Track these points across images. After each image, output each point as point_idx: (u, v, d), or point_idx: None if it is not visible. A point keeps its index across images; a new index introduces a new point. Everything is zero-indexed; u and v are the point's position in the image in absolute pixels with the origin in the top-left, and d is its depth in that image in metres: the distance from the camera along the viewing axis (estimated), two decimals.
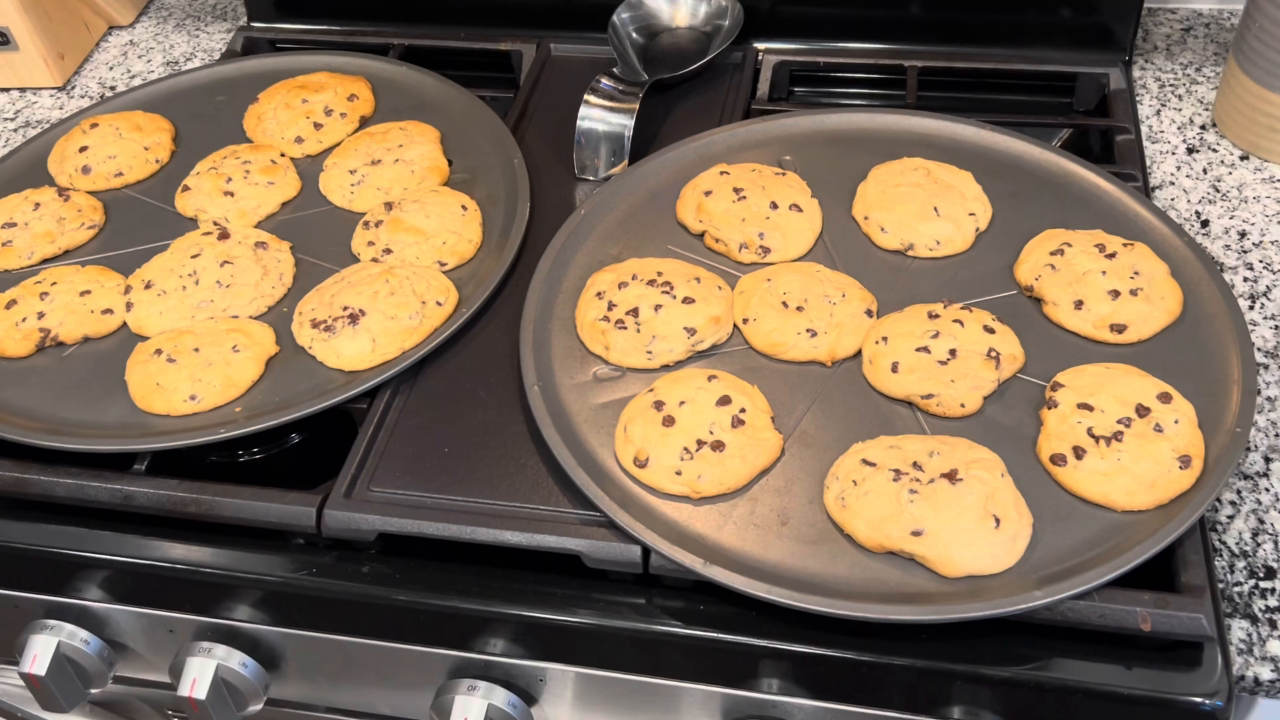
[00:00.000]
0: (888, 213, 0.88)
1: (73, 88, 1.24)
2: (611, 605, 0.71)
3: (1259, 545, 0.73)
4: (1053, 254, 0.83)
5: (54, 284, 0.88)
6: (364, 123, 1.04)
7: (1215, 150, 1.02)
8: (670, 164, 0.95)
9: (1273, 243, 0.92)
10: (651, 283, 0.83)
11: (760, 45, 1.11)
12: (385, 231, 0.91)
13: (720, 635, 0.69)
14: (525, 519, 0.72)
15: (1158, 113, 1.06)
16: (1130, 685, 0.65)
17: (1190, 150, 1.02)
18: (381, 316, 0.83)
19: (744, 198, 0.89)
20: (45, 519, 0.78)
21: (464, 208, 0.92)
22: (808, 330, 0.80)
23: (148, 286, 0.88)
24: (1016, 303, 0.83)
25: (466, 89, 1.06)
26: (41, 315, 0.86)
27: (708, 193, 0.90)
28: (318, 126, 1.02)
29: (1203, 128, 1.04)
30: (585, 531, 0.71)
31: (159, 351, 0.82)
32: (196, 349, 0.82)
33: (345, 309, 0.83)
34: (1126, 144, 0.98)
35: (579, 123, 0.96)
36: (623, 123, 0.95)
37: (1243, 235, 0.93)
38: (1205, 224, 0.95)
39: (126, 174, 1.00)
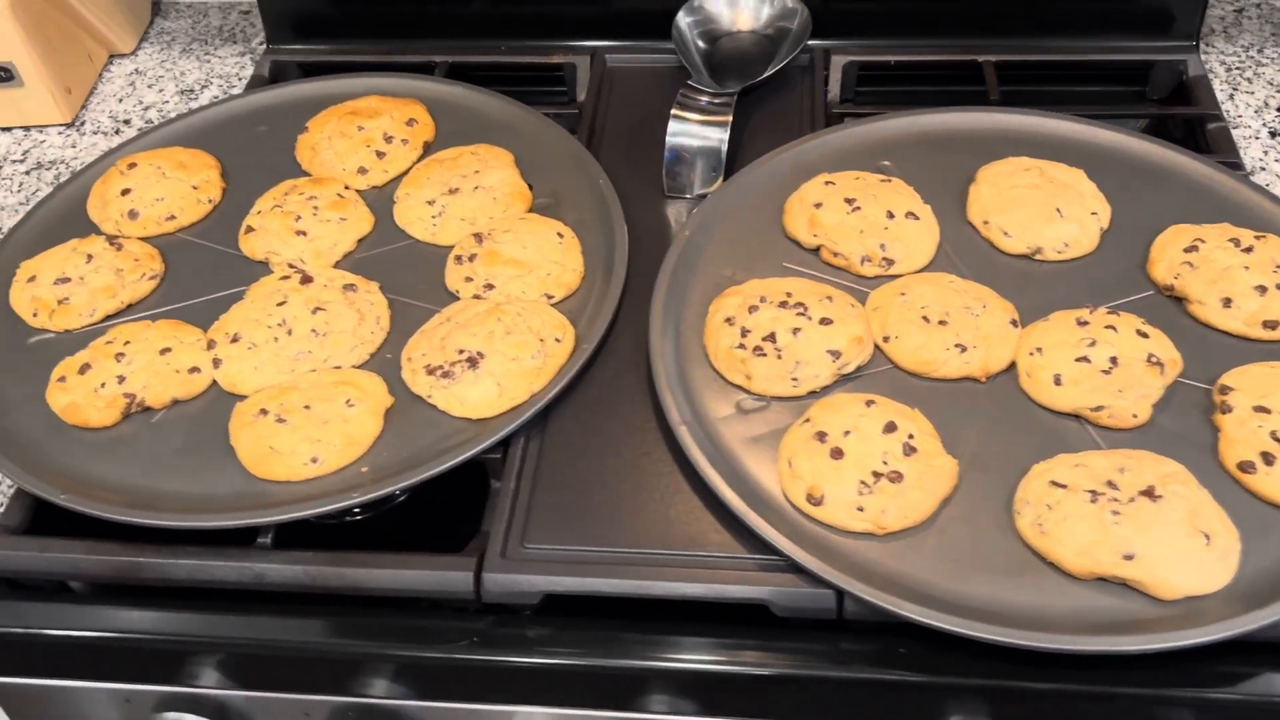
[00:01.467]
0: (1009, 216, 0.85)
1: (82, 123, 1.16)
2: (800, 653, 0.67)
3: None
4: (1187, 250, 0.81)
5: (128, 343, 0.81)
6: (428, 148, 0.98)
7: None
8: (766, 177, 0.91)
9: None
10: (783, 304, 0.79)
11: (821, 44, 1.07)
12: (482, 265, 0.85)
13: (928, 679, 0.65)
14: (700, 567, 0.68)
15: (1230, 97, 1.05)
16: None
17: (1273, 134, 1.01)
18: (502, 358, 0.77)
19: (858, 208, 0.85)
20: (160, 604, 0.72)
21: (560, 235, 0.87)
22: (956, 345, 0.77)
23: (234, 340, 0.81)
24: (1156, 303, 0.81)
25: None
26: (122, 379, 0.79)
27: (818, 205, 0.86)
28: (380, 155, 0.96)
29: (1279, 110, 1.04)
30: (769, 578, 0.67)
31: (264, 412, 0.76)
32: (307, 406, 0.76)
33: (461, 352, 0.78)
34: (1220, 131, 0.96)
35: (670, 139, 0.91)
36: (718, 136, 0.91)
37: None
38: None
39: (179, 216, 0.93)
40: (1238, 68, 1.09)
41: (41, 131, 1.15)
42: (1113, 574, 0.64)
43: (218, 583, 0.70)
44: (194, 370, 0.80)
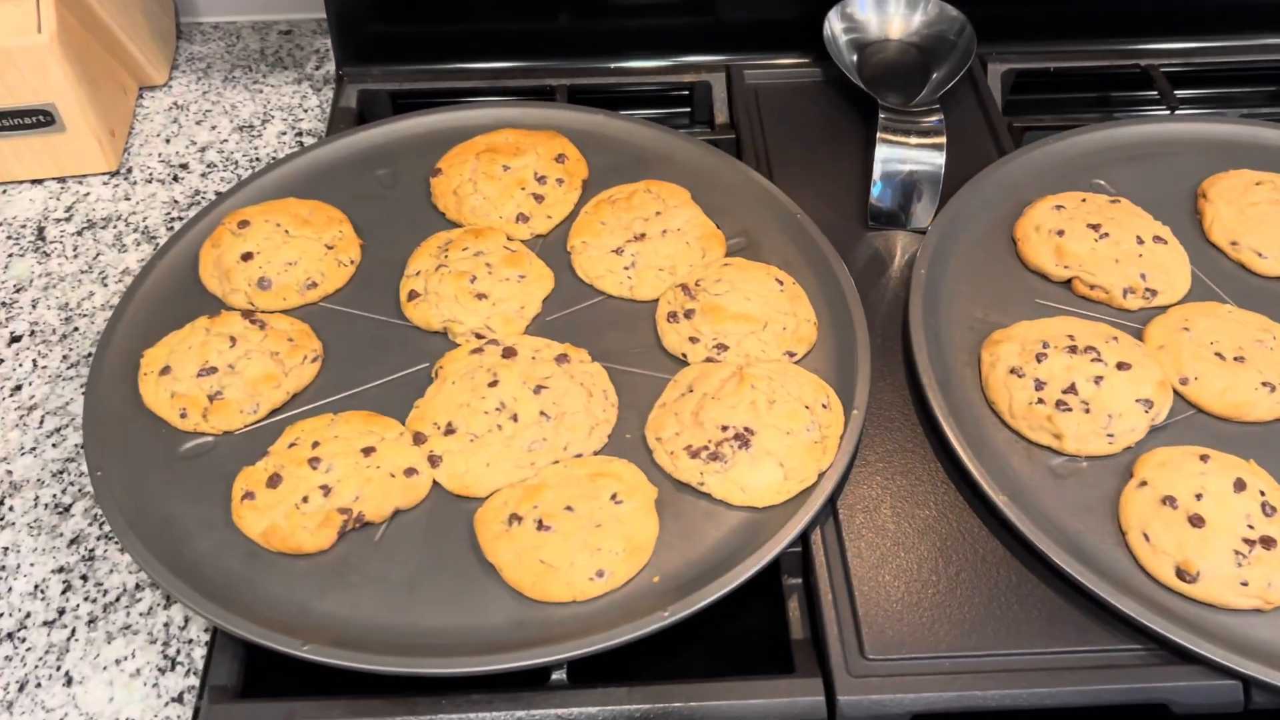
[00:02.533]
0: (1259, 235, 0.79)
1: (129, 170, 1.00)
2: None
3: None
4: None
5: (317, 444, 0.68)
6: (585, 187, 0.87)
7: None
8: (983, 203, 0.83)
9: None
10: (1072, 350, 0.71)
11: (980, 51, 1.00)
12: (705, 322, 0.75)
13: None
14: (1079, 668, 0.60)
15: None
16: None
17: None
18: (775, 433, 0.68)
19: (1106, 234, 0.78)
20: None
21: (779, 281, 0.78)
22: (1264, 384, 0.70)
23: (449, 432, 0.69)
24: None
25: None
26: (327, 490, 0.66)
27: (1059, 232, 0.79)
28: (539, 199, 0.84)
29: None
30: (1164, 673, 0.60)
31: (517, 518, 0.64)
32: (569, 508, 0.65)
33: (725, 429, 0.68)
34: None
35: (884, 166, 0.82)
36: (937, 161, 0.82)
37: None
38: None
39: (321, 283, 0.80)
40: None
41: (81, 182, 0.99)
42: None
43: None
44: (411, 472, 0.68)
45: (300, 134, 1.03)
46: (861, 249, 0.84)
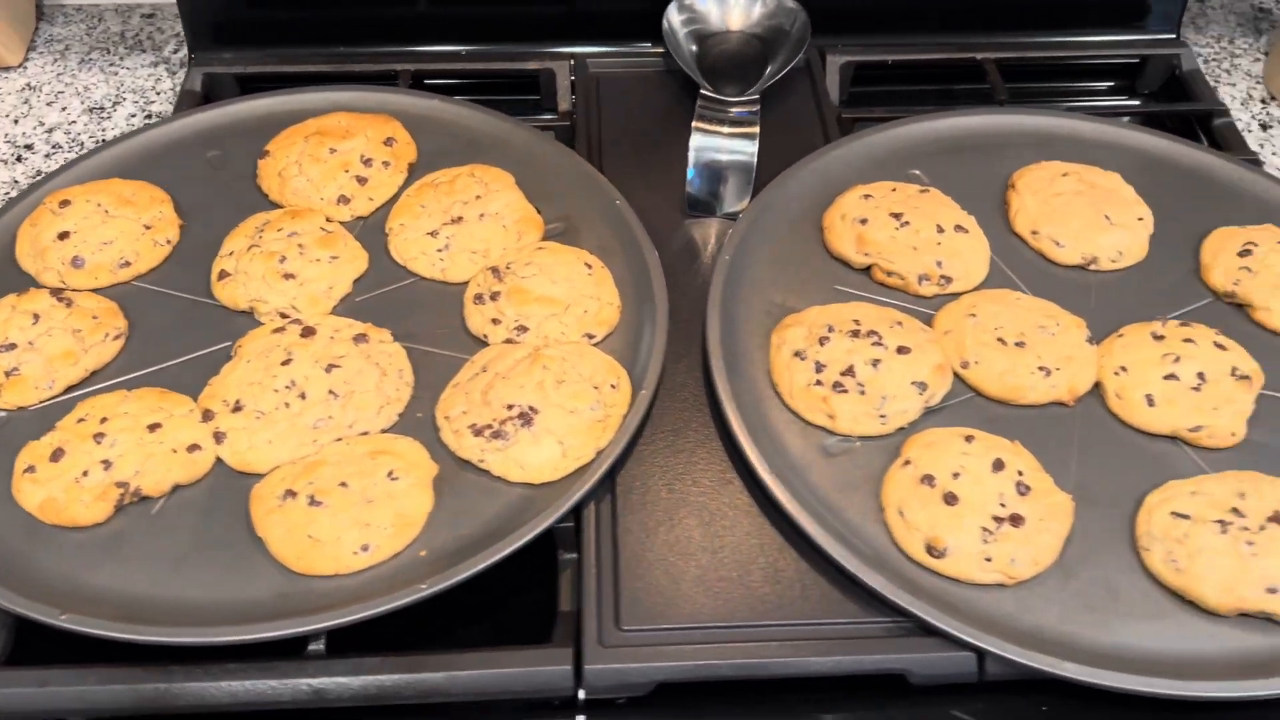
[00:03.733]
0: (1059, 225, 0.82)
1: None
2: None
3: None
4: (1241, 255, 0.79)
5: (105, 420, 0.69)
6: (412, 171, 0.88)
7: None
8: (797, 191, 0.85)
9: None
10: (854, 334, 0.73)
11: (815, 44, 1.01)
12: (509, 304, 0.76)
13: None
14: (826, 639, 0.62)
15: (1214, 90, 1.05)
16: None
17: (1264, 126, 1.01)
18: (559, 412, 0.69)
19: (906, 223, 0.80)
20: None
21: (588, 265, 0.79)
22: (1040, 368, 0.73)
23: (237, 409, 0.70)
24: (1217, 310, 0.79)
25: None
26: (108, 464, 0.67)
27: (863, 220, 0.81)
28: (362, 181, 0.85)
29: (1263, 101, 1.04)
30: (903, 644, 0.62)
31: (291, 494, 0.65)
32: (344, 483, 0.66)
33: (511, 408, 0.69)
34: (1227, 127, 0.96)
35: (696, 154, 0.84)
36: (749, 150, 0.84)
37: None
38: None
39: (135, 262, 0.80)
40: (1214, 59, 1.09)
41: None
42: (1259, 609, 0.62)
43: (268, 704, 0.60)
44: (194, 448, 0.68)
45: (150, 116, 1.03)
46: (679, 236, 0.86)
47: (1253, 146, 0.99)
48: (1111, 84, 1.06)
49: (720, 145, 0.84)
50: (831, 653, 0.61)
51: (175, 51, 1.10)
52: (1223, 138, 0.95)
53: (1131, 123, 0.90)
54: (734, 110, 0.85)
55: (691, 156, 0.84)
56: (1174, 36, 1.05)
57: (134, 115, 1.03)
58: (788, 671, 0.61)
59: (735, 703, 0.63)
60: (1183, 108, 1.00)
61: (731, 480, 0.70)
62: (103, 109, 1.04)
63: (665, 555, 0.66)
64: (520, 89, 1.03)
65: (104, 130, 1.02)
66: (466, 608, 0.67)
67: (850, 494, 0.68)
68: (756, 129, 0.84)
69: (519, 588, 0.68)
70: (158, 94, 1.05)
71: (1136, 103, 1.03)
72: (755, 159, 0.84)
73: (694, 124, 0.84)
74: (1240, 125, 1.01)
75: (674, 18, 0.97)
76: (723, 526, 0.67)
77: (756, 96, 0.87)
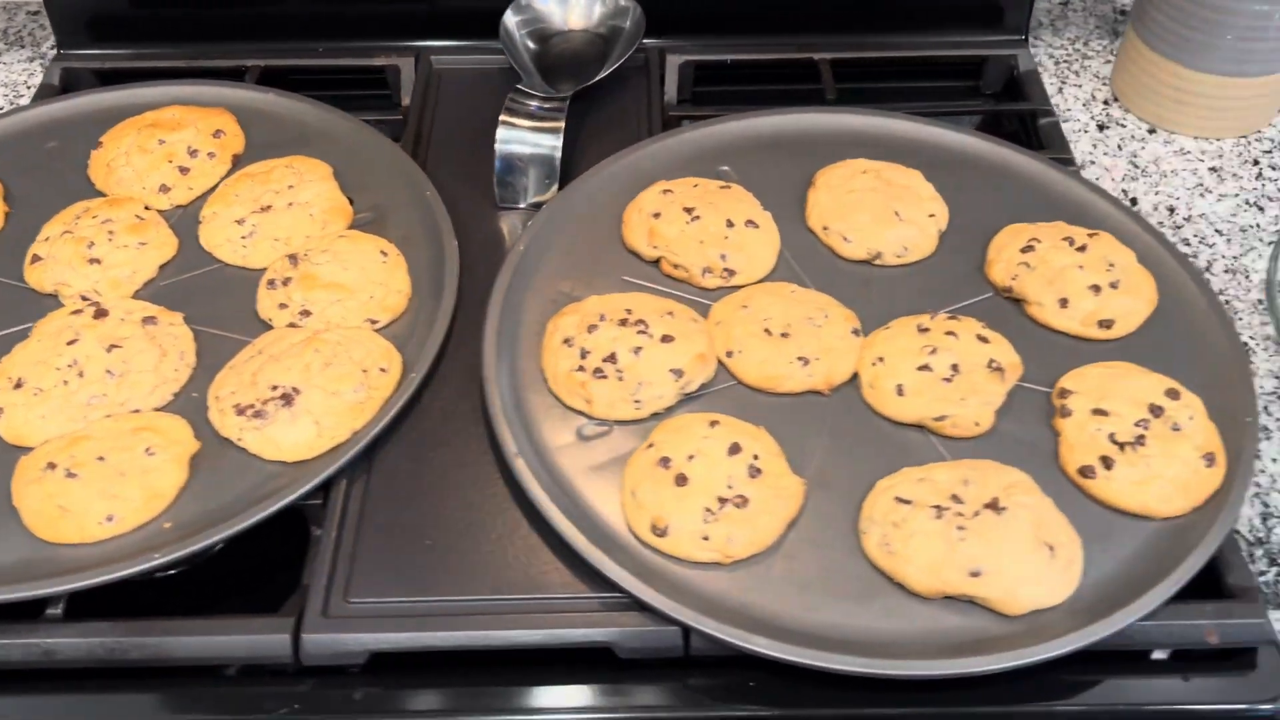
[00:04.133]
0: (847, 221, 0.83)
1: None
2: (649, 694, 0.64)
3: (1270, 530, 0.72)
4: (1023, 251, 0.81)
5: None
6: (237, 162, 0.91)
7: (1124, 125, 1.02)
8: (604, 185, 0.87)
9: (1200, 216, 0.94)
10: (623, 322, 0.75)
11: (659, 44, 1.04)
12: (297, 290, 0.79)
13: (778, 712, 0.63)
14: (539, 612, 0.64)
15: (1059, 90, 1.06)
16: (1192, 700, 0.64)
17: (1100, 127, 1.02)
18: (321, 393, 0.72)
19: (697, 217, 0.82)
20: None
21: (383, 253, 0.82)
22: (799, 358, 0.74)
23: (18, 386, 0.73)
24: (995, 305, 0.80)
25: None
26: None
27: (656, 214, 0.83)
28: (184, 171, 0.88)
29: (1106, 102, 1.05)
30: (612, 619, 0.64)
31: (52, 465, 0.68)
32: (101, 457, 0.69)
33: (275, 388, 0.72)
34: (1051, 127, 0.97)
35: (500, 147, 0.86)
36: (551, 144, 0.86)
37: (1171, 211, 0.94)
38: (1134, 202, 0.95)
39: None
40: (1065, 61, 1.10)
41: None
42: (960, 592, 0.63)
43: (1, 663, 0.63)
44: None
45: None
46: (488, 227, 0.88)
47: (1085, 147, 1.00)
48: (960, 85, 1.07)
49: (524, 139, 0.87)
50: (541, 626, 0.63)
51: (53, 48, 1.14)
52: (1046, 137, 0.96)
53: (948, 123, 0.92)
54: (534, 104, 0.87)
55: (497, 149, 0.86)
56: (1021, 38, 1.06)
57: (2, 108, 1.07)
58: (494, 643, 0.63)
59: (457, 673, 0.65)
60: (1010, 107, 1.01)
61: (490, 463, 0.72)
62: None
63: (407, 532, 0.68)
64: (376, 85, 1.06)
65: None
66: (227, 585, 0.70)
67: (595, 476, 0.70)
68: (560, 124, 0.87)
69: (277, 563, 0.70)
70: (29, 88, 1.09)
71: (975, 104, 1.05)
72: (558, 153, 0.86)
73: (500, 117, 0.87)
74: (1078, 126, 1.02)
75: (511, 18, 1.00)
76: (470, 506, 0.70)
77: (565, 94, 0.89)
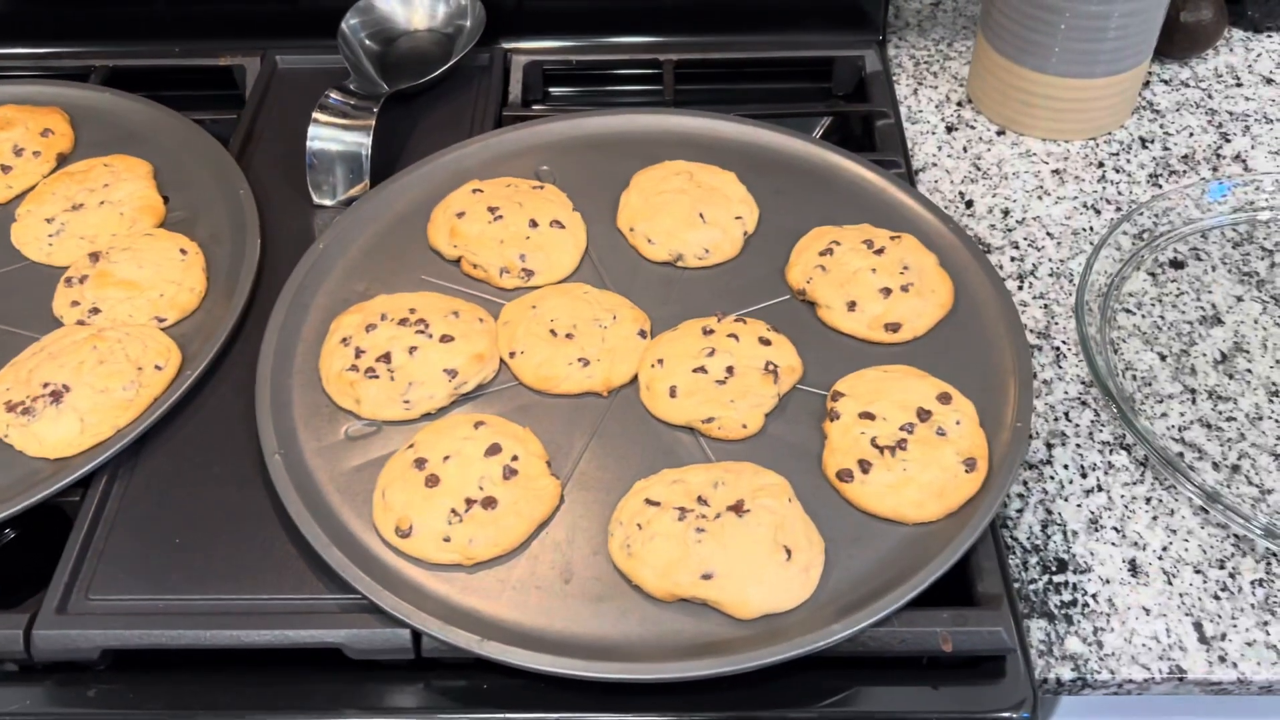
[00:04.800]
0: (653, 222, 0.83)
1: None
2: (386, 696, 0.63)
3: (1049, 538, 0.72)
4: (822, 254, 0.80)
5: None
6: (62, 161, 0.91)
7: (973, 127, 1.02)
8: (418, 184, 0.87)
9: (1035, 219, 0.93)
10: (404, 322, 0.75)
11: (508, 45, 1.04)
12: (92, 288, 0.79)
13: (509, 715, 0.62)
14: (274, 613, 0.64)
15: (915, 92, 1.05)
16: (939, 708, 0.63)
17: (949, 129, 1.02)
18: (89, 391, 0.71)
19: (500, 217, 0.82)
20: None
21: (183, 251, 0.82)
22: (580, 359, 0.74)
23: None
24: (791, 308, 0.79)
25: (183, 113, 0.94)
26: None
27: (460, 214, 0.83)
28: (6, 169, 0.89)
29: (959, 104, 1.04)
30: (346, 620, 0.63)
31: None
32: None
33: (46, 386, 0.72)
34: (887, 129, 0.96)
35: (309, 143, 0.86)
36: (358, 140, 0.86)
37: (1006, 213, 0.93)
38: (970, 204, 0.94)
39: None
40: (925, 62, 1.09)
41: None
42: (692, 595, 0.62)
43: None
44: None
45: None
46: (302, 225, 0.88)
47: (930, 149, 0.99)
48: (814, 87, 1.06)
49: (332, 135, 0.86)
50: (272, 626, 0.63)
51: None
52: (881, 139, 0.95)
53: (776, 125, 0.91)
54: (344, 102, 0.87)
55: (307, 146, 0.86)
56: (879, 38, 1.06)
57: None
58: (224, 643, 0.62)
59: (201, 672, 0.64)
60: (851, 109, 1.01)
61: (251, 462, 0.71)
62: None
63: (158, 529, 0.68)
64: (228, 84, 1.06)
65: None
66: None
67: (355, 476, 0.69)
68: (369, 122, 0.87)
69: (38, 560, 0.70)
70: None
71: (820, 106, 1.04)
72: (366, 149, 0.86)
73: (313, 114, 0.87)
74: (927, 128, 1.01)
75: (350, 20, 1.00)
76: (226, 506, 0.69)
77: (376, 92, 0.90)
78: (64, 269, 0.82)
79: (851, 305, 0.77)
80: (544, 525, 0.67)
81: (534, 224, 0.82)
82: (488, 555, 0.65)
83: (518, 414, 0.72)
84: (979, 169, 0.97)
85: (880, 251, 0.79)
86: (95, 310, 0.78)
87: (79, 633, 0.63)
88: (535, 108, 0.99)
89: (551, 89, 1.06)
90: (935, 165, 0.98)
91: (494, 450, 0.68)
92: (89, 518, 0.68)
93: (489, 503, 0.66)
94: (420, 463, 0.68)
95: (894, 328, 0.76)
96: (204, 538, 0.68)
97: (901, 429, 0.69)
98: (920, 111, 1.03)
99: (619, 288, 0.80)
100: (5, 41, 1.06)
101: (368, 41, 1.00)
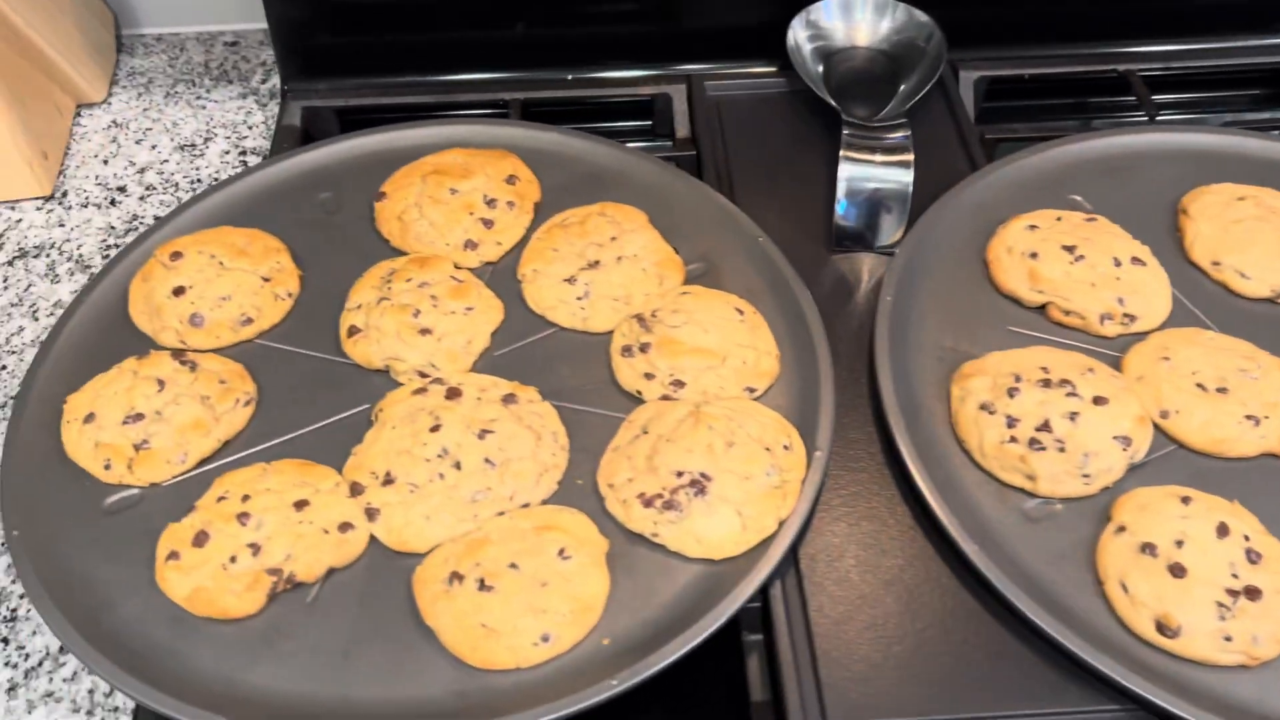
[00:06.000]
0: (1243, 255, 0.76)
1: (64, 194, 0.95)
2: None
3: None
4: None
5: (247, 497, 0.64)
6: (538, 211, 0.83)
7: None
8: (951, 222, 0.79)
9: None
10: (1045, 383, 0.67)
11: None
12: (660, 356, 0.71)
13: None
14: None
15: None
16: None
17: None
18: (733, 478, 0.64)
19: (1081, 257, 0.75)
20: None
21: (739, 311, 0.74)
22: (1247, 417, 0.67)
23: (388, 482, 0.65)
24: None
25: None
26: (256, 549, 0.62)
27: (1033, 254, 0.75)
28: (488, 224, 0.80)
29: None
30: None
31: (458, 576, 0.61)
32: (513, 565, 0.61)
33: (680, 474, 0.64)
34: None
35: (847, 184, 0.78)
36: (903, 179, 0.78)
37: None
38: None
39: (256, 319, 0.75)
40: None
41: (14, 208, 0.94)
42: None
43: None
44: (346, 527, 0.64)
45: (244, 153, 0.98)
46: (827, 273, 0.80)
47: None
48: (1258, 94, 0.99)
49: (872, 174, 0.79)
50: None
51: (264, 81, 1.05)
52: None
53: None
54: (887, 137, 0.79)
55: (842, 188, 0.78)
56: None
57: (227, 152, 0.98)
58: None
59: None
60: None
61: (926, 551, 0.64)
62: (194, 146, 0.99)
63: (865, 639, 0.61)
64: (632, 115, 0.98)
65: (197, 169, 0.97)
66: (648, 693, 0.62)
67: (1060, 564, 0.62)
68: (911, 156, 0.79)
69: (700, 671, 0.63)
70: (250, 128, 1.01)
71: None
72: (911, 188, 0.78)
73: (842, 152, 0.79)
74: None
75: (799, 34, 0.91)
76: (924, 604, 0.62)
77: (906, 120, 0.81)
78: (599, 335, 0.74)
79: None
80: None
81: (1116, 262, 0.75)
82: (1274, 654, 0.58)
83: (1199, 483, 0.65)
84: None
85: None
86: (679, 383, 0.70)
87: None
88: (1007, 127, 0.92)
89: (985, 104, 0.98)
90: None
91: (1223, 530, 0.61)
92: (786, 628, 0.61)
93: (1252, 592, 0.59)
94: (1149, 548, 0.61)
95: None
96: (920, 646, 0.60)
97: None
98: None
99: (1225, 330, 0.73)
100: (393, 73, 0.97)
101: (817, 63, 0.92)
